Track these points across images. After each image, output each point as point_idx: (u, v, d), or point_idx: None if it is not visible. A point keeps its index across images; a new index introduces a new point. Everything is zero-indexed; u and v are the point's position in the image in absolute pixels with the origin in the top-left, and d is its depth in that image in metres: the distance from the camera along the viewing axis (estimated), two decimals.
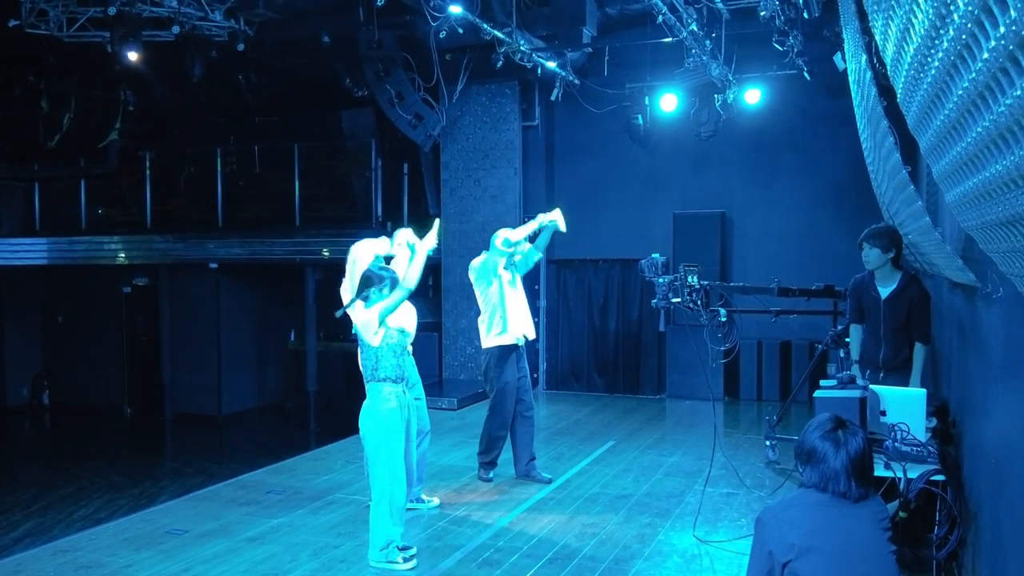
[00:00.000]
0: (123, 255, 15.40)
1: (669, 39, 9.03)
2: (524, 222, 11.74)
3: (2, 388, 16.52)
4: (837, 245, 9.89)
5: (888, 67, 2.47)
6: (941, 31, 1.56)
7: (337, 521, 6.10)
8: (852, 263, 6.18)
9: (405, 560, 5.19)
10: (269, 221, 14.27)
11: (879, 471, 4.00)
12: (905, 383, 5.38)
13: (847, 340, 6.19)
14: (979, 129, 1.66)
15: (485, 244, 11.74)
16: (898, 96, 2.47)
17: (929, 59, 1.76)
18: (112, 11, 9.03)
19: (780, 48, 9.38)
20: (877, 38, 2.47)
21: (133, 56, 9.53)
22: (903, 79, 2.23)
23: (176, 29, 9.56)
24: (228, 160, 14.37)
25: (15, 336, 16.69)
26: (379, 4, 7.89)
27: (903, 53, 2.03)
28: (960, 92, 1.65)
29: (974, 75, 1.49)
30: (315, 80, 12.73)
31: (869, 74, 4.35)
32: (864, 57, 4.47)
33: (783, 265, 10.05)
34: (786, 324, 9.22)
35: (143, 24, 9.43)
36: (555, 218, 7.14)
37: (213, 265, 14.69)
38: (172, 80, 12.59)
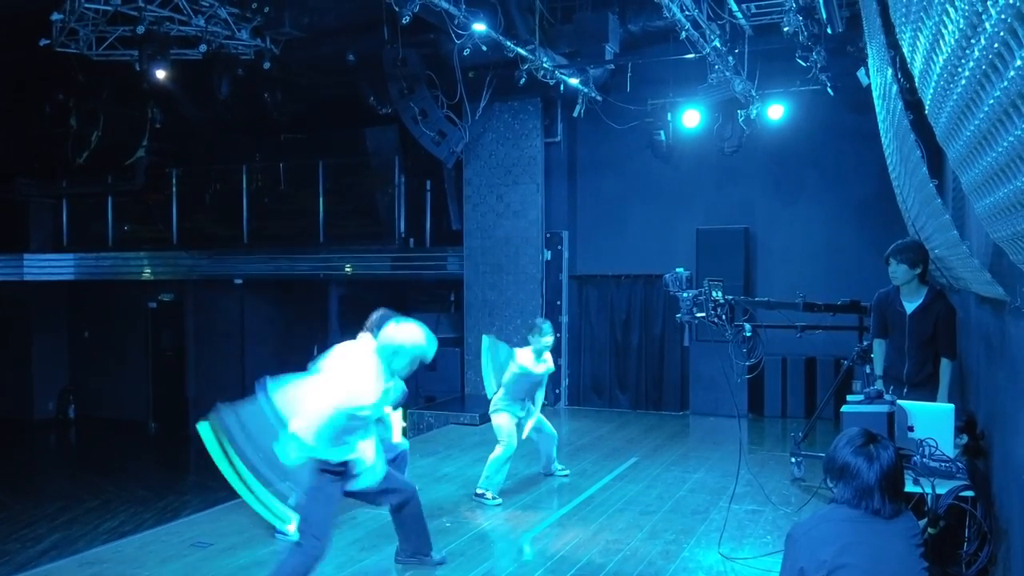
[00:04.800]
0: (149, 271, 15.58)
1: (692, 55, 9.05)
2: (546, 238, 11.86)
3: (29, 402, 16.71)
4: (862, 261, 9.83)
5: (916, 79, 2.47)
6: (972, 40, 1.56)
7: (360, 535, 6.11)
8: (877, 279, 6.14)
9: None
10: (294, 237, 14.41)
11: (908, 487, 3.96)
12: (929, 399, 5.32)
13: (872, 356, 6.15)
14: (1011, 138, 1.65)
15: (507, 259, 11.97)
16: (926, 108, 2.47)
17: (960, 68, 1.76)
18: (141, 30, 9.18)
19: (803, 64, 9.37)
20: (905, 50, 2.47)
21: (161, 74, 9.68)
22: (932, 90, 2.23)
23: (203, 48, 9.71)
24: (253, 177, 14.53)
25: (42, 351, 16.89)
26: (404, 22, 7.96)
27: (932, 64, 2.03)
28: (991, 101, 1.65)
29: (1006, 84, 1.49)
30: (340, 98, 12.86)
31: (895, 88, 4.34)
32: (890, 71, 4.46)
33: (807, 281, 9.97)
34: (811, 340, 9.16)
35: (171, 43, 9.58)
36: None
37: (238, 281, 14.83)
38: (199, 98, 12.77)
